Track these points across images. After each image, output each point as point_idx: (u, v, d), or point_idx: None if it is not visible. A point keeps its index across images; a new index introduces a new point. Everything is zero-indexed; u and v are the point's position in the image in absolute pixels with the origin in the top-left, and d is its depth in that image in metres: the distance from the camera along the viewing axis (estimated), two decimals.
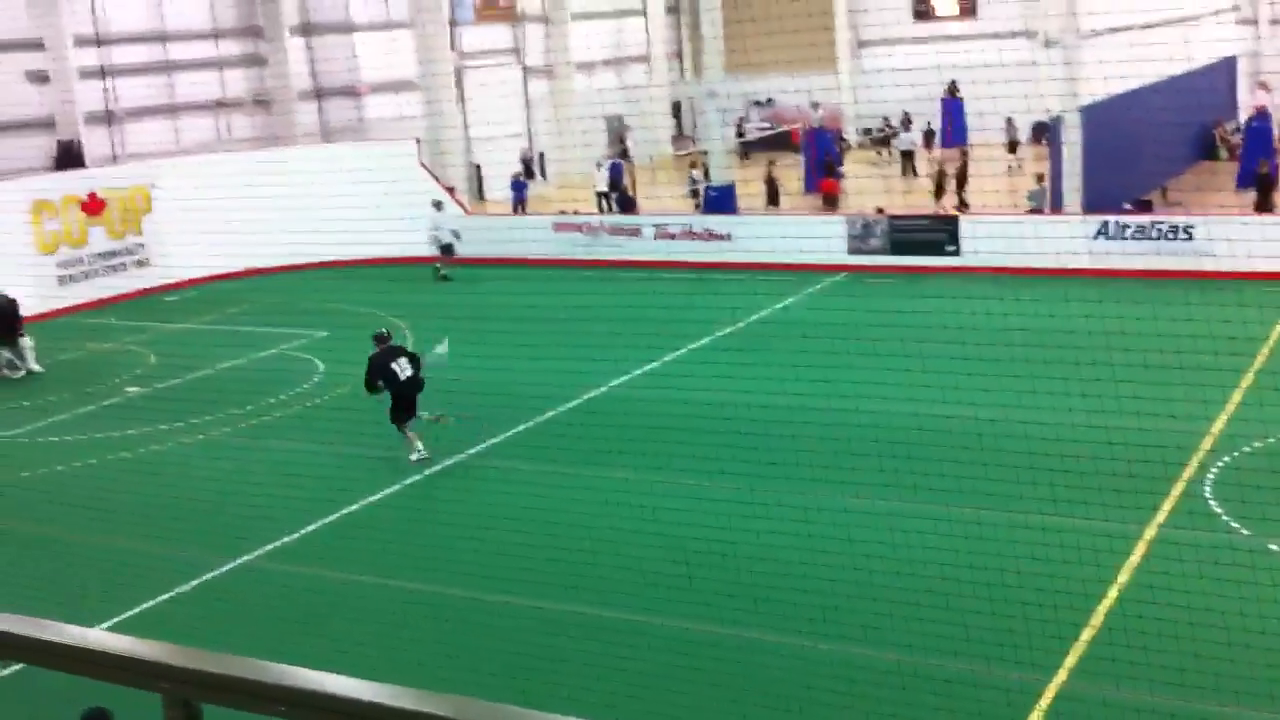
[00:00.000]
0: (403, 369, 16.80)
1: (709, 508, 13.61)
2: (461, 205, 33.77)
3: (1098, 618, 11.33)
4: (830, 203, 34.61)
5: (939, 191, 32.05)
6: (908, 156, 39.81)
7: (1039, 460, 14.16)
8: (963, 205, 31.05)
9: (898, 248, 27.93)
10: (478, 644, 11.76)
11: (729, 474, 15.10)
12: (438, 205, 31.26)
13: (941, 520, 13.13)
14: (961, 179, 32.20)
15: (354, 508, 15.51)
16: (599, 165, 36.32)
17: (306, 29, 38.09)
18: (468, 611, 12.47)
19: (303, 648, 11.57)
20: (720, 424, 15.97)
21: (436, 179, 33.25)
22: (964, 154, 32.87)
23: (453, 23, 39.80)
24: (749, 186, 34.53)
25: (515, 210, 35.20)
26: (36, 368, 23.64)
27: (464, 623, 12.23)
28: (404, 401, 16.85)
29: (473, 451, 17.29)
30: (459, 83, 39.23)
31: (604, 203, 35.08)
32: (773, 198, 34.48)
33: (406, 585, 13.20)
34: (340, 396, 20.56)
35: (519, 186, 35.71)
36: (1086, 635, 11.02)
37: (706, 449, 15.56)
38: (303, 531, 14.86)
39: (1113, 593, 11.77)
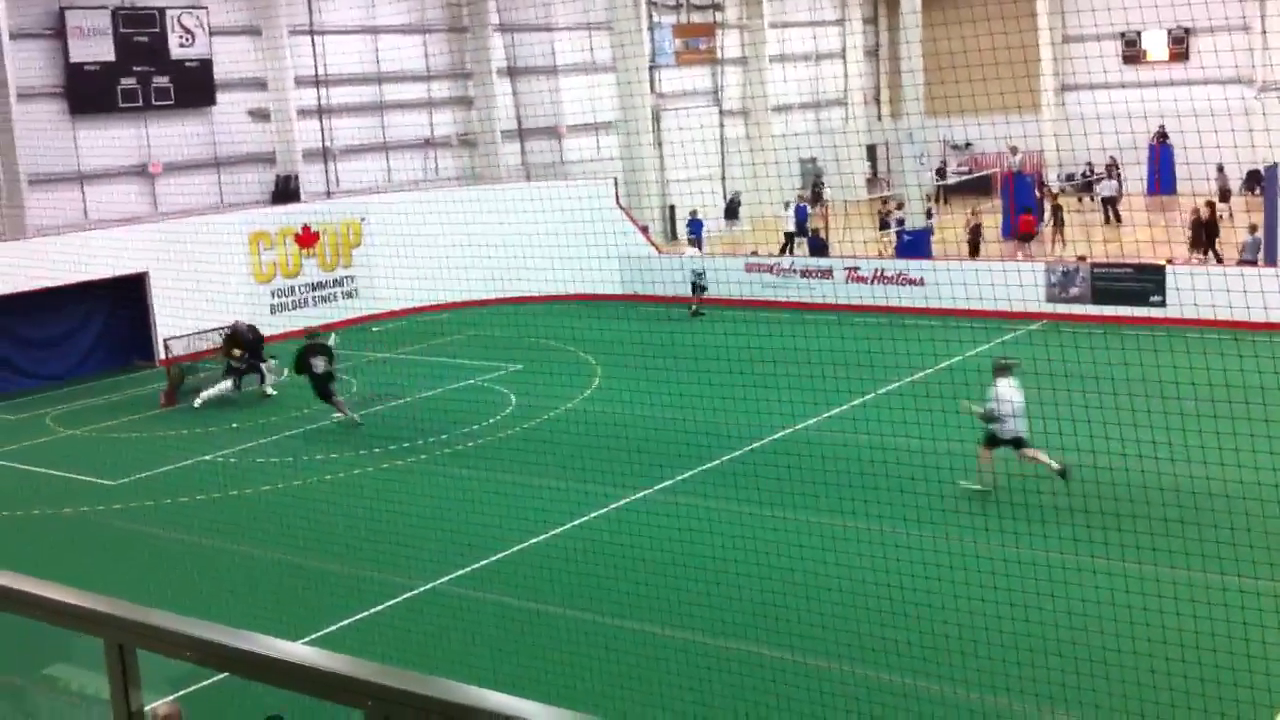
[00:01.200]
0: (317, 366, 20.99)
1: (893, 553, 13.50)
2: (654, 245, 34.26)
3: None
4: (1026, 240, 33.98)
5: (1194, 242, 30.51)
6: (1109, 203, 38.80)
7: (1236, 519, 13.64)
8: (1214, 257, 29.64)
9: (1099, 296, 27.19)
10: (656, 678, 11.89)
11: (914, 520, 14.94)
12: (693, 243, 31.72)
13: (1163, 581, 12.74)
14: (1211, 229, 30.65)
15: (541, 538, 15.85)
16: (786, 205, 36.44)
17: (512, 71, 39.27)
18: (644, 645, 12.61)
19: (488, 672, 11.89)
20: (903, 469, 15.82)
21: (632, 218, 33.84)
22: (1211, 204, 31.51)
23: (653, 65, 40.52)
24: (946, 232, 34.09)
25: (698, 248, 35.67)
26: (271, 391, 24.80)
27: (642, 656, 12.37)
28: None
29: (660, 487, 17.49)
30: (656, 124, 39.88)
31: (790, 244, 35.15)
32: (974, 248, 33.71)
33: (589, 616, 13.43)
34: (531, 428, 21.08)
35: (696, 226, 36.32)
36: None
37: (886, 494, 15.44)
38: (491, 559, 15.26)
39: None
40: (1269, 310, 24.51)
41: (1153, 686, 10.34)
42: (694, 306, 30.69)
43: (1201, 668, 10.34)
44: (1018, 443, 15.92)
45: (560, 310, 31.17)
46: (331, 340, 22.97)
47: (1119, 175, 41.58)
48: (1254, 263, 27.72)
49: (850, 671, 11.56)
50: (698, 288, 30.82)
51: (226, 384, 24.26)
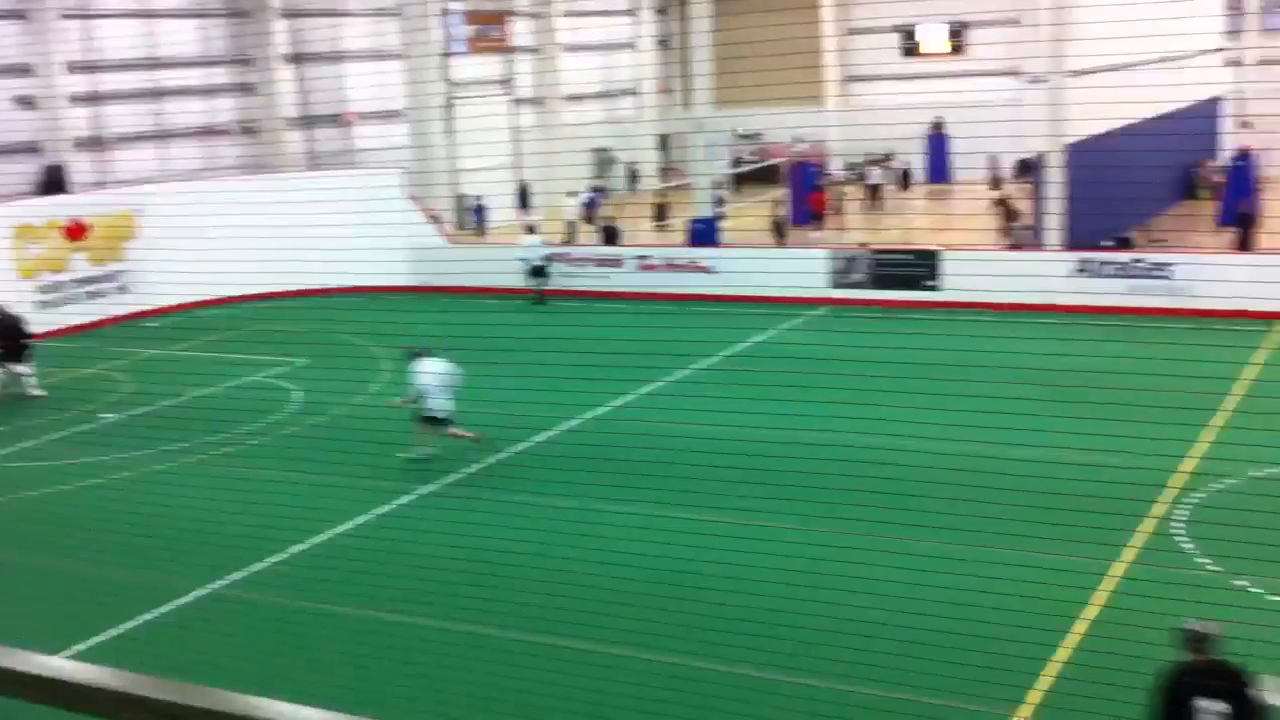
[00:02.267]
0: None
1: (675, 538, 13.56)
2: (444, 235, 33.86)
3: (1064, 652, 11.29)
4: (819, 219, 34.89)
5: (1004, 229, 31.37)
6: (874, 191, 40.35)
7: (1012, 494, 14.17)
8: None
9: (879, 282, 28.00)
10: (445, 675, 11.67)
11: (697, 505, 15.06)
12: (530, 230, 31.79)
13: (912, 554, 13.09)
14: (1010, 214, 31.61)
15: (324, 537, 15.42)
16: (570, 195, 36.44)
17: (298, 57, 38.21)
18: (437, 643, 12.38)
19: (272, 678, 11.48)
20: (688, 455, 15.91)
21: (422, 208, 33.34)
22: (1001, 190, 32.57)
23: (444, 53, 39.99)
24: (741, 221, 34.65)
25: (480, 234, 36.32)
26: (37, 392, 23.40)
27: (434, 654, 12.14)
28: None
29: (449, 480, 17.23)
30: (448, 113, 39.39)
31: (573, 232, 35.23)
32: (778, 237, 34.05)
33: (377, 615, 13.11)
34: (317, 424, 20.52)
35: (479, 211, 36.81)
36: (1053, 670, 10.98)
37: (674, 480, 15.53)
38: (273, 560, 14.77)
39: (1080, 627, 11.73)
40: (1039, 292, 25.61)
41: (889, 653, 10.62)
42: (536, 294, 30.18)
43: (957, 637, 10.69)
44: (444, 421, 17.77)
45: (348, 304, 30.45)
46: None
47: (889, 165, 43.10)
48: (1021, 247, 28.97)
49: (693, 666, 11.56)
50: (538, 274, 30.45)
51: None
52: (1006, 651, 10.72)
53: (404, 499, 16.65)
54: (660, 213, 38.27)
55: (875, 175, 41.18)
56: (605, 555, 13.34)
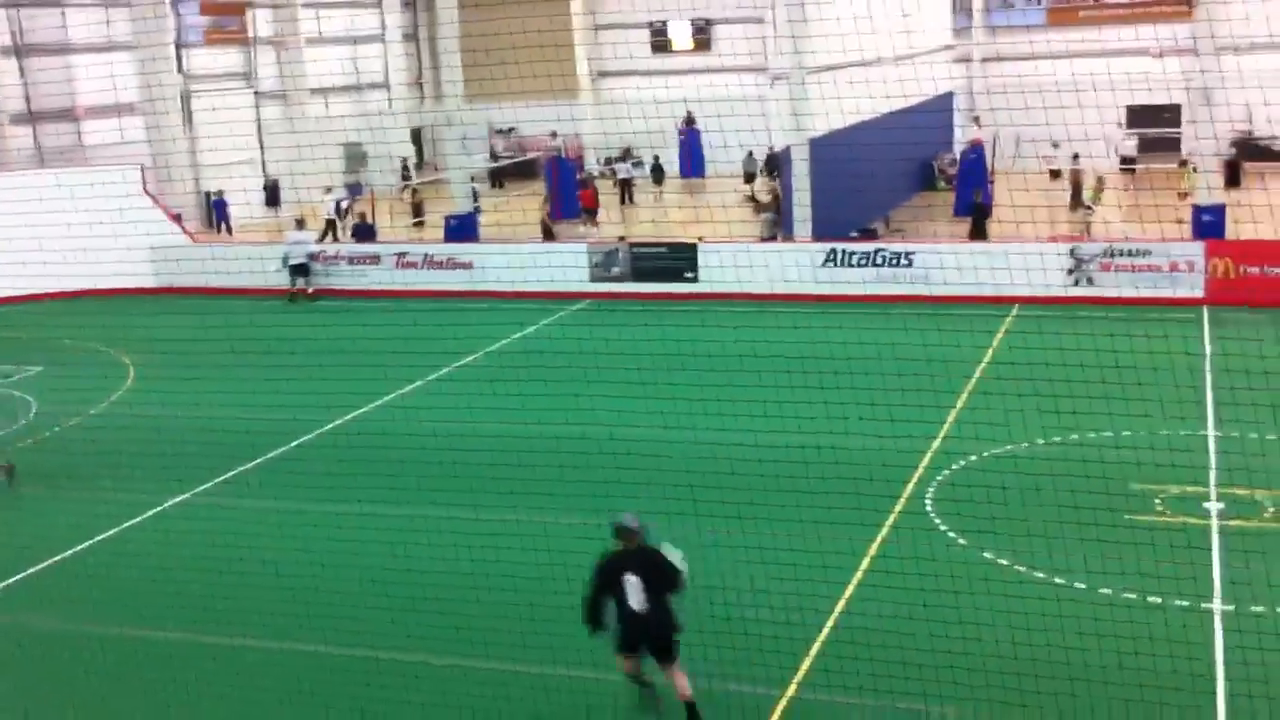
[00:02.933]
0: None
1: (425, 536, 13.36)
2: (188, 233, 32.52)
3: (825, 631, 11.63)
4: (590, 215, 34.99)
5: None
6: (625, 185, 41.01)
7: (769, 479, 14.54)
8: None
9: (639, 275, 28.31)
10: (196, 684, 11.17)
11: (444, 503, 14.88)
12: (299, 223, 30.84)
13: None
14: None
15: (70, 552, 14.56)
16: (327, 191, 35.60)
17: (19, 50, 35.98)
18: (185, 653, 11.84)
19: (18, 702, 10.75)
20: (448, 454, 15.71)
21: (162, 206, 31.93)
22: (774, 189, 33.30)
23: (179, 45, 38.35)
24: (500, 216, 34.45)
25: (218, 231, 35.48)
26: None
27: (186, 667, 11.60)
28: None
29: (201, 489, 16.51)
30: (186, 107, 37.79)
31: (332, 231, 34.31)
32: (548, 233, 33.87)
33: (126, 631, 12.44)
34: (51, 438, 19.37)
35: (219, 206, 35.87)
36: (815, 648, 11.30)
37: (433, 479, 15.32)
38: (14, 579, 13.87)
39: (839, 606, 12.10)
40: (789, 283, 26.42)
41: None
42: (292, 293, 29.38)
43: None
44: None
45: (85, 306, 28.83)
46: None
47: (638, 160, 43.87)
48: (773, 239, 29.80)
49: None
50: (300, 271, 29.52)
51: None
52: (774, 634, 10.98)
53: (153, 510, 15.86)
54: (416, 209, 37.70)
55: (622, 169, 41.97)
56: (340, 555, 13.02)
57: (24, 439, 19.36)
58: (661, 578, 10.09)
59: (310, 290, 29.68)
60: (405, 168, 45.11)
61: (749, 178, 40.18)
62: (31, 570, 14.15)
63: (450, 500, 14.67)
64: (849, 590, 12.45)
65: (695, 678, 10.24)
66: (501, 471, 15.41)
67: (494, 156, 47.05)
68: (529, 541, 12.76)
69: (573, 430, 16.54)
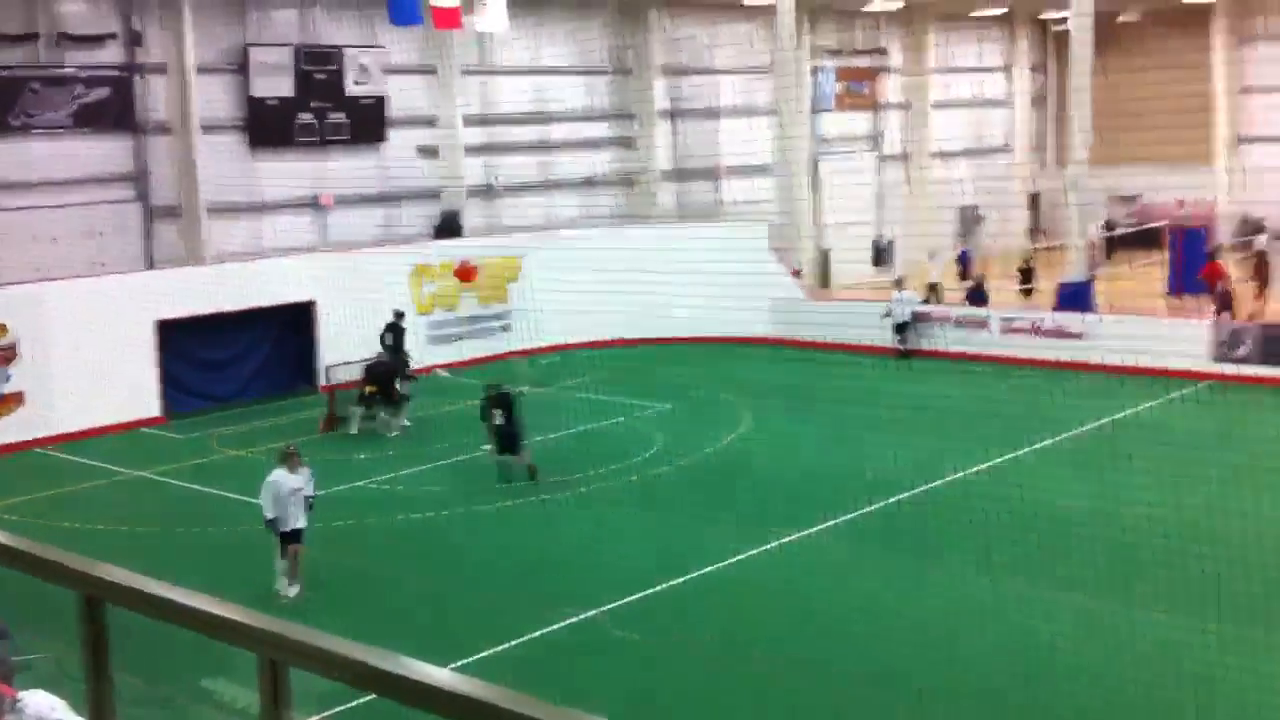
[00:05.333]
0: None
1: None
2: (803, 288, 34.25)
3: None
4: (1213, 291, 32.45)
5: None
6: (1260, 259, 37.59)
7: None
8: None
9: (1269, 358, 26.20)
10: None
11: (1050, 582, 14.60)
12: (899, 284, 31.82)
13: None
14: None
15: (681, 580, 15.92)
16: (931, 256, 35.84)
17: (674, 113, 39.63)
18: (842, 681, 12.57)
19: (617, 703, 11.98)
20: (1050, 527, 15.48)
21: (784, 261, 33.86)
22: None
23: (814, 110, 40.52)
24: (1111, 285, 33.36)
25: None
26: (394, 433, 24.92)
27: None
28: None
29: (808, 532, 17.37)
30: (814, 169, 39.87)
31: (932, 295, 34.56)
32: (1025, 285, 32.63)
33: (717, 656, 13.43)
34: (682, 468, 21.19)
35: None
36: None
37: (1034, 551, 15.13)
38: (633, 597, 15.38)
39: None
40: None
41: None
42: (901, 347, 30.31)
43: None
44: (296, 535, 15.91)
45: (711, 351, 31.23)
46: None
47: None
48: None
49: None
50: (901, 327, 30.47)
51: (359, 410, 24.94)
52: None
53: (762, 546, 16.93)
54: (1025, 276, 37.12)
55: (1261, 242, 38.48)
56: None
57: (657, 468, 21.33)
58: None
59: (905, 348, 30.08)
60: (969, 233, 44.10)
61: None
62: (658, 588, 15.61)
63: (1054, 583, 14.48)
64: None
65: None
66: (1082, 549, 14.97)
67: (1109, 226, 45.22)
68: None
69: (1152, 512, 15.71)
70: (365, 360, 25.45)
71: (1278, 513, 15.42)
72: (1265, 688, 11.52)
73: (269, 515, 15.63)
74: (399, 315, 27.66)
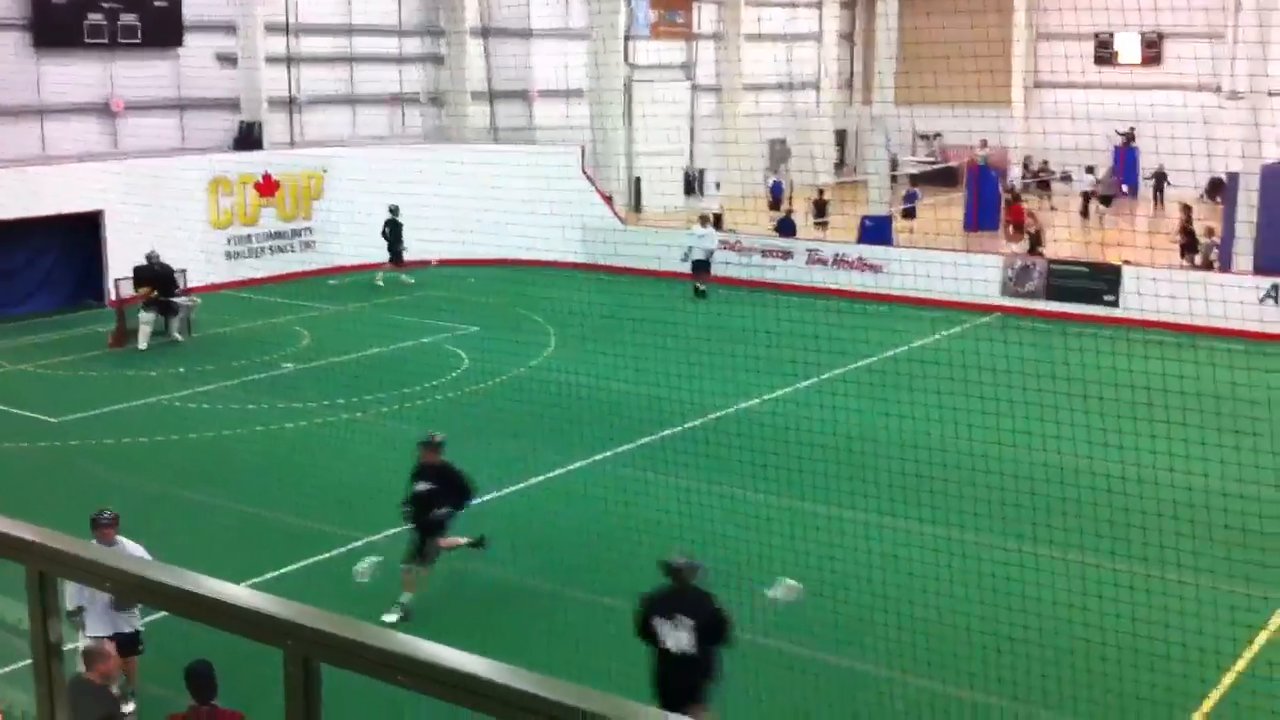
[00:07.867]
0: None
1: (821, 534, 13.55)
2: (617, 215, 34.20)
3: (1220, 690, 10.98)
4: (1019, 230, 33.62)
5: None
6: (1087, 199, 39.16)
7: (1179, 520, 13.82)
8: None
9: (1055, 293, 27.38)
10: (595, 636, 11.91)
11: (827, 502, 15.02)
12: (704, 220, 31.45)
13: (1072, 576, 12.87)
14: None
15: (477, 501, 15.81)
16: (718, 185, 36.25)
17: (485, 32, 38.90)
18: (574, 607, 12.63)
19: (421, 626, 11.86)
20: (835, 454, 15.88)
21: (596, 187, 33.75)
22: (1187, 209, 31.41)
23: (628, 36, 40.30)
24: (911, 221, 34.21)
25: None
26: (178, 337, 24.57)
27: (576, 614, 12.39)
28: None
29: (600, 456, 17.44)
30: (628, 96, 39.72)
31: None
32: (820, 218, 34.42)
33: (532, 581, 13.41)
34: (480, 392, 21.02)
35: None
36: (1207, 706, 10.71)
37: (822, 476, 15.52)
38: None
39: (1239, 665, 11.38)
40: (1224, 317, 24.73)
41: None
42: (698, 285, 29.75)
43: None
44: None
45: (520, 274, 30.99)
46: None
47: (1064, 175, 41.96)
48: (1210, 267, 28.04)
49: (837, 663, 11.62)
50: (700, 268, 30.15)
51: (149, 317, 24.06)
52: (1165, 684, 10.50)
53: (562, 468, 16.93)
54: (820, 209, 37.51)
55: (1088, 181, 39.70)
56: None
57: (454, 390, 21.13)
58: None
59: (703, 288, 30.02)
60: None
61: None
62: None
63: (836, 499, 14.87)
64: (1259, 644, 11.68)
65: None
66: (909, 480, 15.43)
67: (894, 163, 46.32)
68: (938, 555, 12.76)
69: (942, 442, 16.33)
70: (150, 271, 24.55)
71: (1056, 436, 16.11)
72: (1029, 581, 12.07)
73: (69, 607, 9.74)
74: (394, 210, 29.36)
